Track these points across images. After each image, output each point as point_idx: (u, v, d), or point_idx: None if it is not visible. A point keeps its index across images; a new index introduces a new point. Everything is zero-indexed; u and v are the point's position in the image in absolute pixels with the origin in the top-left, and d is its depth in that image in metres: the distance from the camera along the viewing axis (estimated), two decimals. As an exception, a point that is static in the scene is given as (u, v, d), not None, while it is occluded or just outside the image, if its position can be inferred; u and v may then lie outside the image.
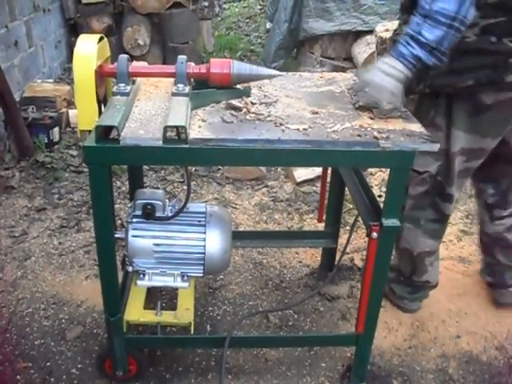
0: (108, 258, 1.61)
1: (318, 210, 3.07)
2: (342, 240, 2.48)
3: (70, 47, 4.95)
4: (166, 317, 1.87)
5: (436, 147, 1.54)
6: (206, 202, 3.06)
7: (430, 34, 1.51)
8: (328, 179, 2.32)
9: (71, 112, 3.80)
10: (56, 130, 3.48)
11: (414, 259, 2.20)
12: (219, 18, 7.16)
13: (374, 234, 1.62)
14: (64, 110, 3.78)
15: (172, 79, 1.79)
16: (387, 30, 3.75)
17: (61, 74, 4.83)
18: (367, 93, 1.64)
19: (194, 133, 1.47)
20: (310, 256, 2.70)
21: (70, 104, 3.98)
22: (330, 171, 2.34)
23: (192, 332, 1.85)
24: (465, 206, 3.16)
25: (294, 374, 2.01)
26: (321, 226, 2.58)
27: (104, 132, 1.44)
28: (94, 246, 2.68)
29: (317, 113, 1.66)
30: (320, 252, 2.64)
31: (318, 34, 4.72)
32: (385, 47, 3.67)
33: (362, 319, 1.79)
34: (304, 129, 1.53)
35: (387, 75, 1.58)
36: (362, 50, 4.42)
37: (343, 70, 4.62)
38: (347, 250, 2.14)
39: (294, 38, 4.97)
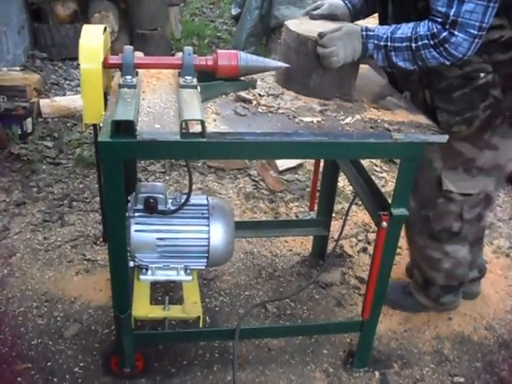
0: (120, 253, 1.58)
1: (302, 198, 3.13)
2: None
3: (34, 33, 4.75)
4: (175, 311, 1.84)
5: (445, 139, 1.57)
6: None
7: None
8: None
9: (42, 102, 3.67)
10: (29, 120, 3.35)
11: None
12: (182, 4, 7.03)
13: (384, 224, 1.65)
14: (35, 99, 3.64)
15: (172, 71, 1.79)
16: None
17: (25, 61, 4.63)
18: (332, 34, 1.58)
19: (211, 126, 1.45)
20: (299, 244, 2.72)
21: (40, 93, 3.85)
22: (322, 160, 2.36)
23: (201, 325, 1.84)
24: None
25: (297, 362, 2.04)
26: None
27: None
28: (81, 240, 2.63)
29: (325, 105, 1.67)
30: (309, 240, 2.68)
31: (290, 21, 4.71)
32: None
33: (368, 306, 1.83)
34: (318, 121, 1.54)
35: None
36: (334, 37, 4.44)
37: (315, 57, 4.64)
38: (336, 238, 2.18)
39: (265, 25, 4.94)
